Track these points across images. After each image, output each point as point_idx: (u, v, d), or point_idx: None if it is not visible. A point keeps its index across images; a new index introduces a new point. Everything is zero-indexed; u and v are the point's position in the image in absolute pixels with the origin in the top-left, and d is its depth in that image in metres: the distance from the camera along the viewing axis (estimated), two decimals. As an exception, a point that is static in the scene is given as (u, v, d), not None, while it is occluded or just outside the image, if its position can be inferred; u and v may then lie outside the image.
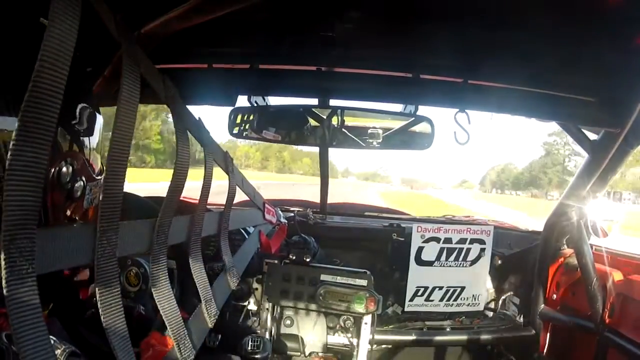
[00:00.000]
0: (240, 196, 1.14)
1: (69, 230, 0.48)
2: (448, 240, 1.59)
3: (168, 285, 0.69)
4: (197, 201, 1.08)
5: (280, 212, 1.53)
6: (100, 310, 0.51)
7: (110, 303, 0.52)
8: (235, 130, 1.39)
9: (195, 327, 0.79)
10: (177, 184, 0.69)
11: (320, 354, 1.38)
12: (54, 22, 0.38)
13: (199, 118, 0.82)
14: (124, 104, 0.52)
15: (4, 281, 0.37)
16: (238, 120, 1.39)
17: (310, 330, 1.38)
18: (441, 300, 1.61)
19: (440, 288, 1.60)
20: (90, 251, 0.50)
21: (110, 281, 0.52)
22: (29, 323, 0.39)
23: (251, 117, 1.40)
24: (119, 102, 0.52)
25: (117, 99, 0.52)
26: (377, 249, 1.67)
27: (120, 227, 0.54)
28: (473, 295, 1.62)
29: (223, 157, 0.96)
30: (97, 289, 0.51)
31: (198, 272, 0.85)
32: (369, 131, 1.41)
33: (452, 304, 1.62)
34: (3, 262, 0.37)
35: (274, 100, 1.38)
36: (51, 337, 0.42)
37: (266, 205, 1.37)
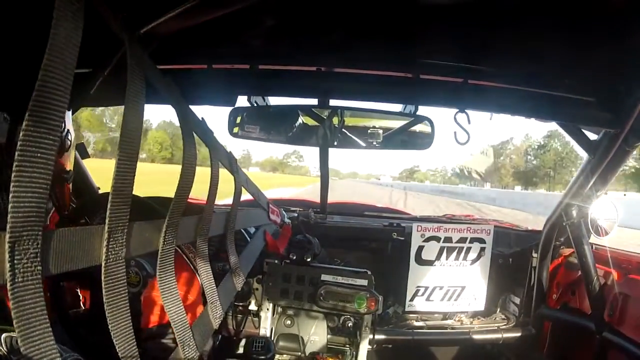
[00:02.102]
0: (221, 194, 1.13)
1: (77, 232, 0.47)
2: (448, 240, 1.59)
3: (175, 287, 0.69)
4: (198, 201, 1.08)
5: (283, 212, 1.53)
6: (106, 312, 0.51)
7: (117, 305, 0.52)
8: (235, 131, 1.39)
9: (200, 329, 0.79)
10: (185, 184, 0.68)
11: (320, 354, 1.38)
12: (59, 22, 0.38)
13: (202, 118, 0.82)
14: (130, 105, 0.52)
15: (8, 284, 0.36)
16: (238, 121, 1.39)
17: (311, 331, 1.38)
18: (441, 299, 1.61)
19: (441, 288, 1.60)
20: (98, 252, 0.50)
21: (117, 283, 0.52)
22: (34, 326, 0.38)
23: (251, 117, 1.40)
24: (125, 103, 0.51)
25: (125, 100, 0.51)
26: (377, 249, 1.67)
27: (128, 228, 0.54)
28: (473, 295, 1.62)
29: (227, 158, 0.96)
30: (104, 290, 0.51)
31: (205, 273, 0.85)
32: (369, 131, 1.41)
33: (453, 304, 1.62)
34: (8, 264, 0.36)
35: (274, 101, 1.38)
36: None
37: (270, 205, 1.37)
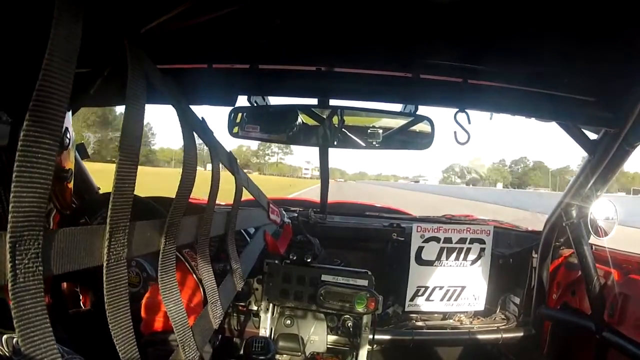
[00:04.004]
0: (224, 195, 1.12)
1: (78, 232, 0.47)
2: (448, 240, 1.59)
3: (176, 287, 0.68)
4: (199, 201, 1.07)
5: (283, 212, 1.52)
6: (107, 313, 0.50)
7: (118, 305, 0.51)
8: (235, 130, 1.39)
9: (201, 329, 0.79)
10: (186, 184, 0.68)
11: (320, 354, 1.38)
12: (59, 22, 0.38)
13: (203, 118, 0.82)
14: (131, 105, 0.52)
15: (9, 284, 0.36)
16: (238, 120, 1.39)
17: (311, 331, 1.38)
18: (441, 300, 1.61)
19: (441, 288, 1.60)
20: (99, 253, 0.49)
21: (119, 283, 0.52)
22: (35, 327, 0.38)
23: (251, 117, 1.40)
24: (126, 102, 0.51)
25: (125, 100, 0.51)
26: (377, 249, 1.67)
27: (129, 228, 0.54)
28: (473, 295, 1.62)
29: (228, 158, 0.96)
30: (105, 291, 0.50)
31: (205, 273, 0.85)
32: (369, 131, 1.41)
33: (453, 304, 1.62)
34: (9, 265, 0.36)
35: (274, 100, 1.38)
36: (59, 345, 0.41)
37: (270, 205, 1.37)
